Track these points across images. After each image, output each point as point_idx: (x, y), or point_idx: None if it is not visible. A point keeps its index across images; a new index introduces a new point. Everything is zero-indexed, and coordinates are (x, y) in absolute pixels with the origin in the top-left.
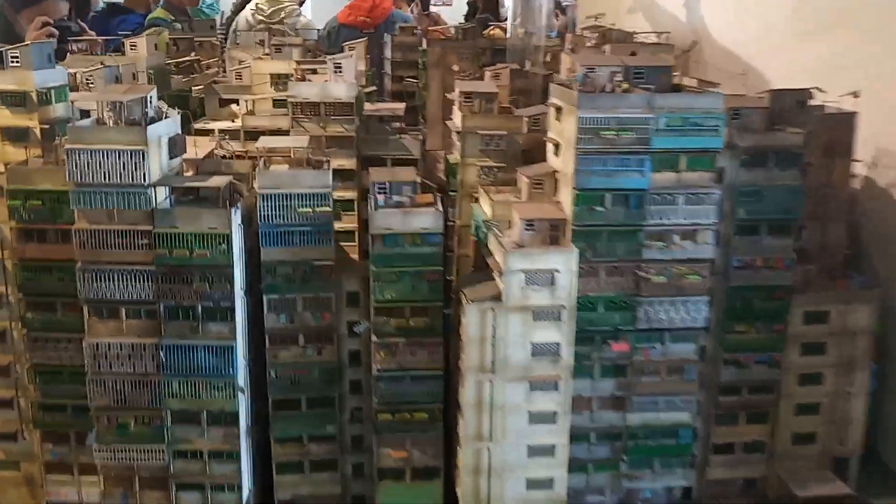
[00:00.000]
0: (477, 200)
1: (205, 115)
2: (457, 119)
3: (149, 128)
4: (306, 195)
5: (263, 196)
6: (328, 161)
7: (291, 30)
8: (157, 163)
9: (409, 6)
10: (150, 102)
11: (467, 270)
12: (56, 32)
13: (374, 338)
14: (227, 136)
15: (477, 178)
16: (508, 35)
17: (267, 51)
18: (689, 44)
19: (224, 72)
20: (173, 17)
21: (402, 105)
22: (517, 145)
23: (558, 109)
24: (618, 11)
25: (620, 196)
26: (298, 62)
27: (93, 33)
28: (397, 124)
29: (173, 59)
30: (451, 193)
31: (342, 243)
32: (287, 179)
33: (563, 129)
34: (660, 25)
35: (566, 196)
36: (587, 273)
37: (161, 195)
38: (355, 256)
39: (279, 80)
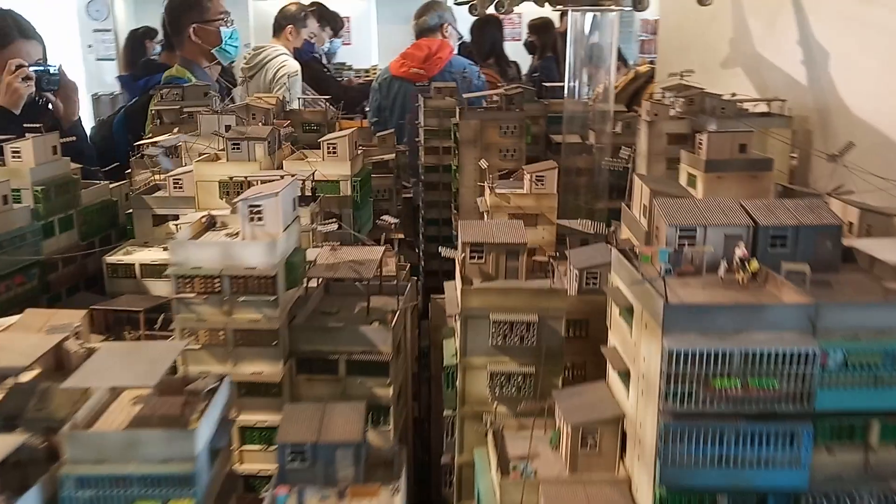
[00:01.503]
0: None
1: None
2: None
3: None
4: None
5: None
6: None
7: (274, 83)
8: None
9: None
10: None
11: None
12: (33, 75)
13: None
14: None
15: (488, 399)
16: (566, 98)
17: (209, 150)
18: (843, 146)
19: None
20: (192, 75)
21: (395, 220)
22: (556, 336)
23: (628, 310)
24: (707, 64)
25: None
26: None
27: None
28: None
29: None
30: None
31: None
32: (115, 448)
33: (636, 351)
34: (767, 85)
35: (643, 489)
36: None
37: None
38: None
39: (234, 190)
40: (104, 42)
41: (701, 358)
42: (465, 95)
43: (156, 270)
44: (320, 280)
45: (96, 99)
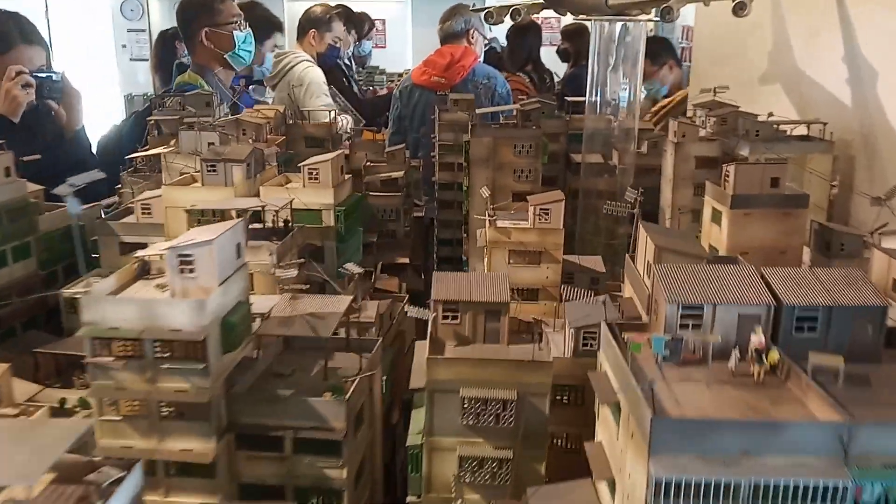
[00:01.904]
0: None
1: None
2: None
3: None
4: None
5: None
6: None
7: (296, 86)
8: None
9: None
10: None
11: None
12: (33, 82)
13: None
14: None
15: None
16: (587, 114)
17: (188, 168)
18: (890, 190)
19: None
20: (204, 81)
21: (359, 270)
22: (538, 415)
23: (615, 405)
24: (743, 79)
25: None
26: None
27: None
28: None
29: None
30: None
31: None
32: None
33: (622, 460)
34: (807, 104)
35: None
36: None
37: None
38: None
39: (202, 219)
40: (138, 42)
41: (697, 489)
42: (478, 111)
43: None
44: None
45: (130, 99)
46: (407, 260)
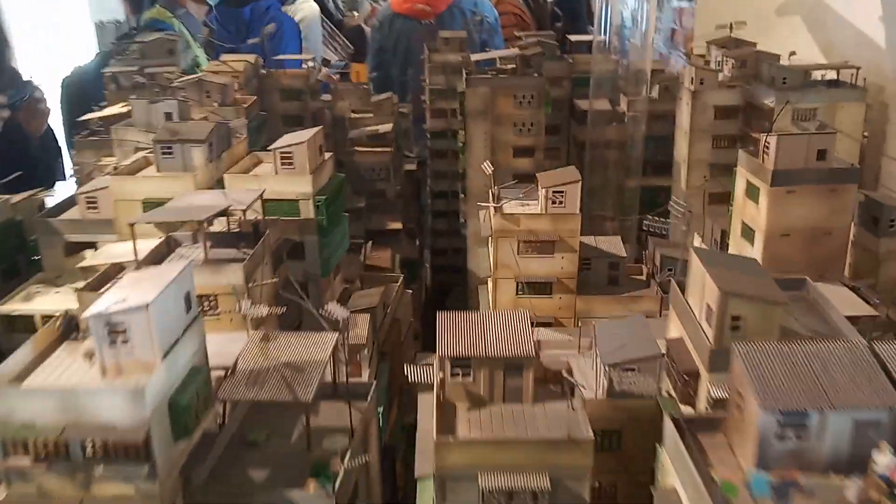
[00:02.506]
0: None
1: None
2: None
3: None
4: None
5: None
6: None
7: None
8: None
9: None
10: None
11: None
12: None
13: None
14: None
15: None
16: (593, 55)
17: (143, 145)
18: None
19: None
20: (175, 18)
21: (346, 314)
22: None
23: None
24: (758, 10)
25: None
26: None
27: None
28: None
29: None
30: None
31: None
32: None
33: None
34: (832, 43)
35: None
36: None
37: None
38: None
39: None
40: None
41: None
42: (472, 57)
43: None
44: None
45: (101, 27)
46: (399, 225)
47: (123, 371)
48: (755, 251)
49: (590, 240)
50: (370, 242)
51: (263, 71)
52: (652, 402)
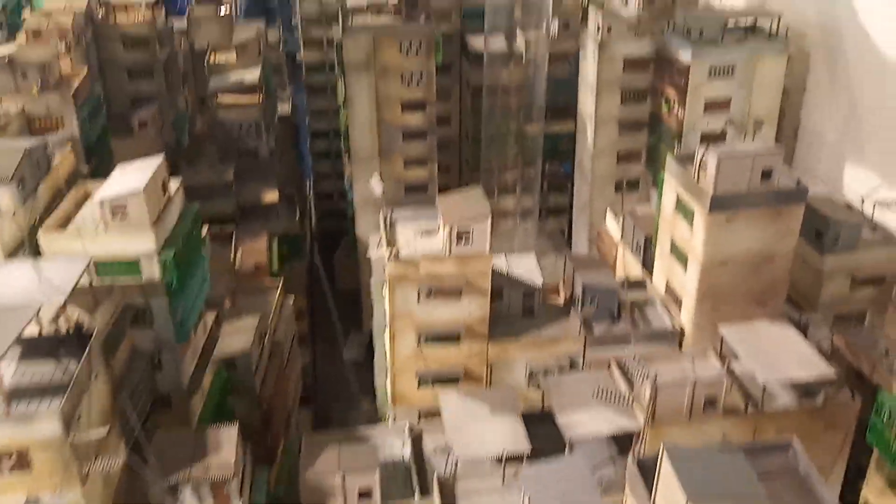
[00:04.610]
0: None
1: None
2: None
3: None
4: None
5: None
6: None
7: None
8: None
9: None
10: None
11: None
12: None
13: None
14: None
15: None
16: None
17: None
18: None
19: None
20: None
21: None
22: None
23: None
24: None
25: None
26: None
27: None
28: None
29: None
30: None
31: None
32: None
33: None
34: None
35: None
36: None
37: None
38: None
39: None
40: None
41: None
42: None
43: None
44: None
45: None
46: (276, 196)
47: None
48: (689, 279)
49: (501, 263)
50: (240, 251)
51: (100, 15)
52: None
